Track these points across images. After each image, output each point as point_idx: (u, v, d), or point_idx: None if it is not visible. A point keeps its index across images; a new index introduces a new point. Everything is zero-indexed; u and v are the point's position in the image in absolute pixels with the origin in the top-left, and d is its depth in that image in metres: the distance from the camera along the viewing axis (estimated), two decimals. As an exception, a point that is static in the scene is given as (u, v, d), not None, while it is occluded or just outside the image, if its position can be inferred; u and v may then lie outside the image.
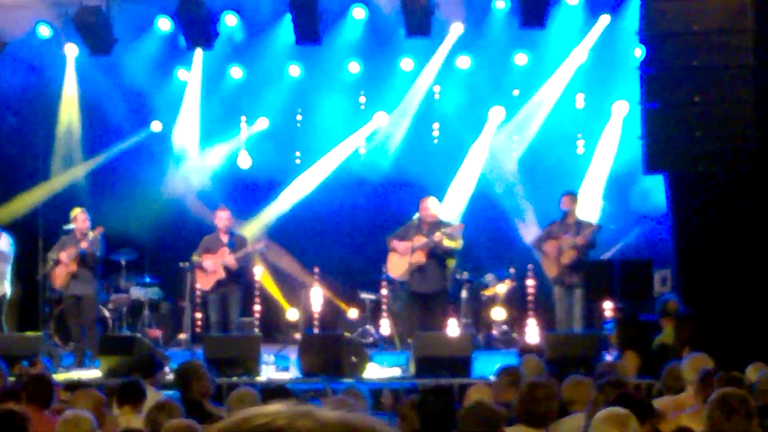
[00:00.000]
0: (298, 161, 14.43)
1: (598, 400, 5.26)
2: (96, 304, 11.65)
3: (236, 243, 11.59)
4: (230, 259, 11.33)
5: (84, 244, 11.18)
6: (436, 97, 14.09)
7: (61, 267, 11.37)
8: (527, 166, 13.86)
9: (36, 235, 13.37)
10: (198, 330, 12.88)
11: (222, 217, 11.67)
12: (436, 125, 14.29)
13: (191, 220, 13.43)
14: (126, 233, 13.09)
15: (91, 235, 11.29)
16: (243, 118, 14.42)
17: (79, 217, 11.39)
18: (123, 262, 12.95)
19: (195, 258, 11.55)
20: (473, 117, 14.00)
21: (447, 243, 11.23)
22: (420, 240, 11.28)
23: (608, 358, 10.04)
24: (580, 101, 13.67)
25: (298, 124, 14.53)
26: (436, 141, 14.39)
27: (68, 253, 11.24)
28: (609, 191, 13.39)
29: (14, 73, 13.12)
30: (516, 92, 13.86)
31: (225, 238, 11.61)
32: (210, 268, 11.46)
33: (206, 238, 11.74)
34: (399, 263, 11.48)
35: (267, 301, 13.92)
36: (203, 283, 11.70)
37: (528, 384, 5.63)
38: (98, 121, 13.91)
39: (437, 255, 11.31)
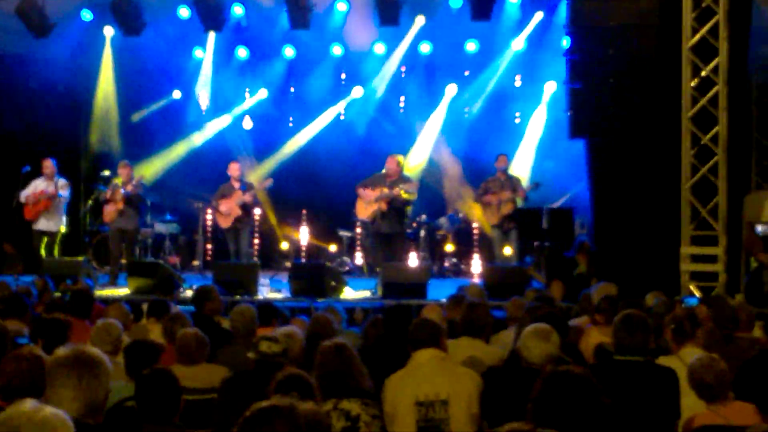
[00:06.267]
0: (291, 124, 15.24)
1: (527, 318, 5.35)
2: (136, 236, 12.40)
3: (247, 186, 12.22)
4: (247, 197, 11.96)
5: (129, 187, 11.95)
6: (403, 75, 14.73)
7: (110, 205, 11.98)
8: (474, 132, 14.50)
9: (78, 182, 14.13)
10: (208, 258, 13.74)
11: (234, 168, 12.39)
12: (402, 98, 15.04)
13: (204, 170, 14.18)
14: (151, 180, 13.98)
15: (134, 180, 12.12)
16: (247, 90, 15.25)
17: (121, 166, 12.33)
18: (149, 203, 13.36)
19: (214, 203, 12.24)
20: (432, 92, 14.65)
21: (405, 196, 11.52)
22: (383, 191, 11.67)
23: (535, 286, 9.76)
24: (518, 81, 14.67)
25: (292, 94, 15.09)
26: (402, 111, 14.96)
27: (114, 193, 12.03)
28: (539, 152, 14.21)
29: (60, 49, 13.94)
30: (467, 73, 14.66)
31: (237, 185, 12.25)
32: (226, 211, 11.98)
33: (222, 187, 12.29)
34: (365, 208, 11.89)
35: (264, 235, 14.66)
36: (222, 222, 12.23)
37: (469, 304, 5.81)
38: (131, 91, 14.86)
39: (396, 204, 11.70)
